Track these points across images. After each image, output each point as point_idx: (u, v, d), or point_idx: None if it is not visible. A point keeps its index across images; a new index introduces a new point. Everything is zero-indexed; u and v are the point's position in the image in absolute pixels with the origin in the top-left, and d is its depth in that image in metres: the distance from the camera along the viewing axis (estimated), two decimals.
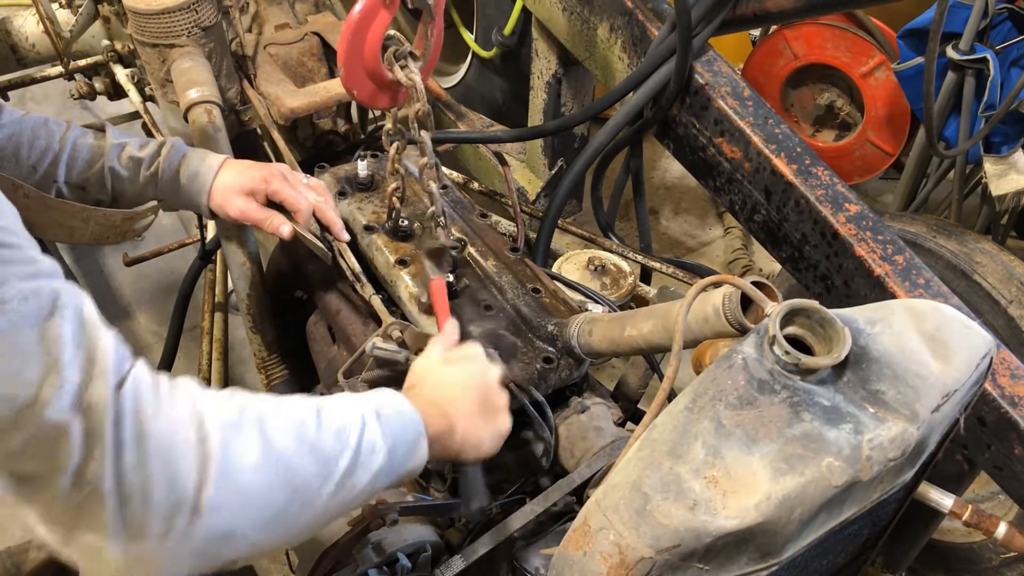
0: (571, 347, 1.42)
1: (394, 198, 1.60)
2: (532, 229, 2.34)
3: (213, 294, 2.24)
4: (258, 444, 0.89)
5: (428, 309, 1.48)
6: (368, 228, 1.66)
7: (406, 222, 1.65)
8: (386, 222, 1.64)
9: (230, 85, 1.95)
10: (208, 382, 2.10)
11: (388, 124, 1.55)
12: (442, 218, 1.52)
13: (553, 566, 0.99)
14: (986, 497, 2.37)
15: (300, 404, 0.98)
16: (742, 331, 1.08)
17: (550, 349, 1.44)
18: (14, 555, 1.79)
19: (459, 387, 1.19)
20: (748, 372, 0.95)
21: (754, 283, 1.06)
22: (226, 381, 2.14)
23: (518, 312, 1.51)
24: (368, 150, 1.88)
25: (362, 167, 1.74)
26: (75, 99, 2.67)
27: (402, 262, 1.58)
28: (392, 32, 1.47)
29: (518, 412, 1.43)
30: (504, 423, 1.23)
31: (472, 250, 1.62)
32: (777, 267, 2.31)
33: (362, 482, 0.98)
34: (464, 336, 1.44)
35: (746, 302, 1.09)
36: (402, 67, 1.47)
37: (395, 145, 1.56)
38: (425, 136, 1.48)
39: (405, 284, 1.55)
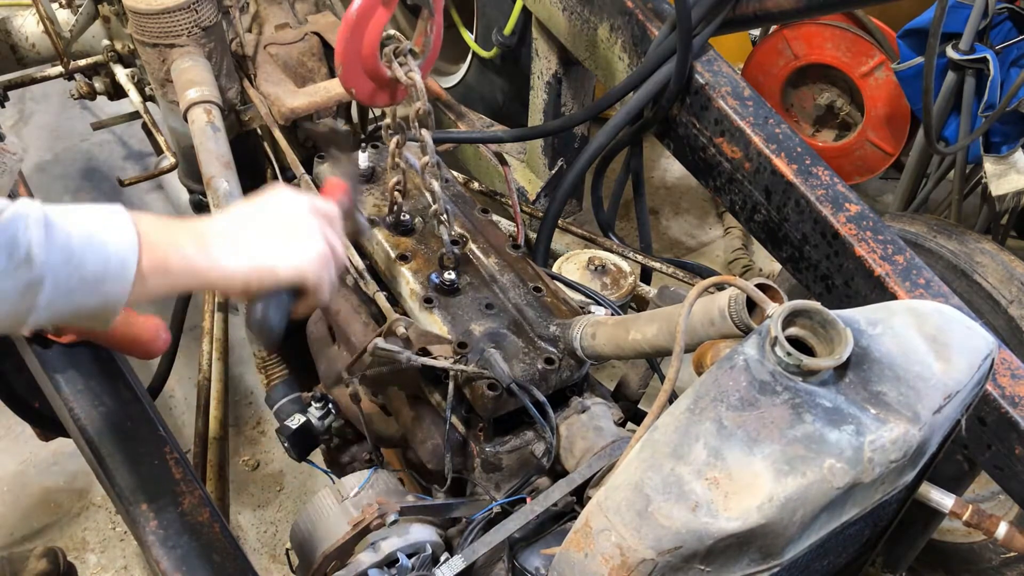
0: (573, 349, 1.41)
1: (395, 192, 1.59)
2: (532, 229, 2.34)
3: (213, 294, 2.24)
4: None
5: (427, 300, 1.48)
6: (369, 221, 1.65)
7: (407, 216, 1.64)
8: (387, 216, 1.64)
9: (230, 85, 1.95)
10: (208, 382, 2.10)
11: (388, 120, 1.55)
12: (444, 215, 1.52)
13: (554, 567, 0.99)
14: (986, 497, 2.37)
15: None
16: (748, 333, 1.08)
17: (552, 350, 1.44)
18: (14, 562, 1.79)
19: (245, 215, 1.12)
20: (750, 373, 0.95)
21: (758, 285, 1.06)
22: (226, 381, 2.14)
23: (520, 312, 1.51)
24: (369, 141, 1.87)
25: (363, 158, 1.73)
26: (75, 99, 2.67)
27: (403, 257, 1.58)
28: (391, 32, 1.47)
29: (518, 412, 1.43)
30: (310, 247, 1.12)
31: (473, 246, 1.62)
32: (777, 267, 2.31)
33: (8, 290, 0.89)
34: (465, 335, 1.44)
35: (751, 302, 1.09)
36: (401, 64, 1.46)
37: (395, 139, 1.55)
38: (426, 135, 1.47)
39: (406, 281, 1.54)
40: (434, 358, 1.38)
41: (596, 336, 1.37)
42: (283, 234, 1.12)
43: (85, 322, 0.99)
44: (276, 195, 1.17)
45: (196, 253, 1.04)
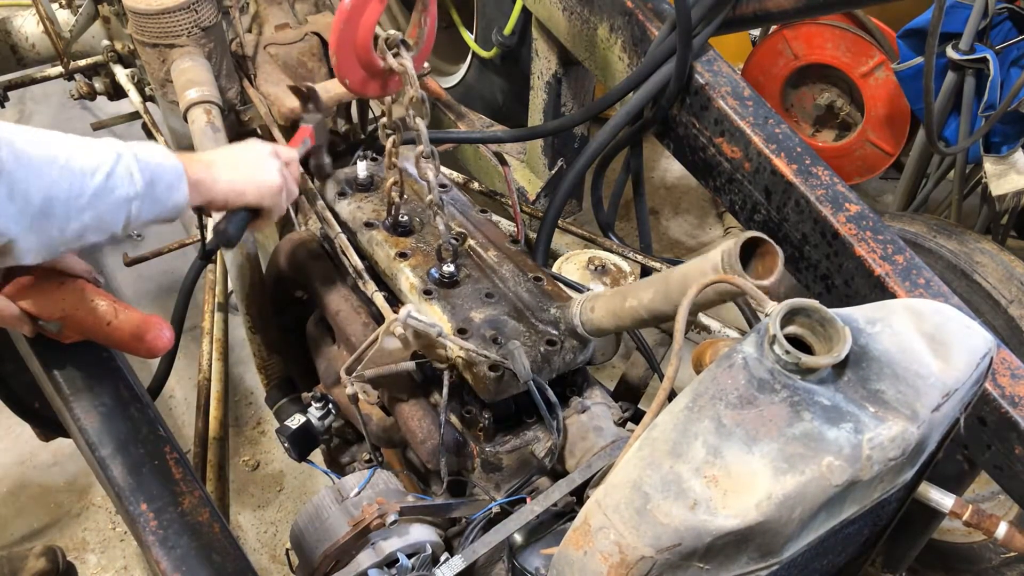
0: (574, 327, 1.42)
1: (393, 192, 1.60)
2: (532, 229, 2.34)
3: (213, 294, 2.24)
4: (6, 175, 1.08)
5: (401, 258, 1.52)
6: (368, 224, 1.66)
7: (406, 217, 1.64)
8: (386, 218, 1.64)
9: (230, 85, 1.95)
10: (208, 382, 2.10)
11: (384, 119, 1.55)
12: (438, 206, 1.51)
13: (553, 566, 0.99)
14: (986, 497, 2.37)
15: (54, 140, 1.17)
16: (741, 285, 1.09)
17: (553, 332, 1.44)
18: (13, 561, 1.79)
19: (227, 152, 1.48)
20: (748, 371, 0.95)
21: (751, 239, 1.08)
22: (226, 381, 2.14)
23: (520, 298, 1.51)
24: (368, 151, 1.88)
25: (362, 168, 1.74)
26: (75, 99, 2.67)
27: (402, 255, 1.58)
28: (380, 31, 1.47)
29: (519, 411, 1.43)
30: (269, 179, 1.45)
31: (472, 242, 1.63)
32: None
33: (117, 200, 1.21)
34: (465, 322, 1.44)
35: (743, 256, 1.11)
36: (394, 55, 1.46)
37: (391, 139, 1.55)
38: (420, 123, 1.47)
39: (406, 276, 1.55)
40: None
41: (595, 309, 1.38)
42: (251, 169, 1.45)
43: (161, 221, 1.32)
44: (250, 143, 1.52)
45: (207, 176, 1.38)
